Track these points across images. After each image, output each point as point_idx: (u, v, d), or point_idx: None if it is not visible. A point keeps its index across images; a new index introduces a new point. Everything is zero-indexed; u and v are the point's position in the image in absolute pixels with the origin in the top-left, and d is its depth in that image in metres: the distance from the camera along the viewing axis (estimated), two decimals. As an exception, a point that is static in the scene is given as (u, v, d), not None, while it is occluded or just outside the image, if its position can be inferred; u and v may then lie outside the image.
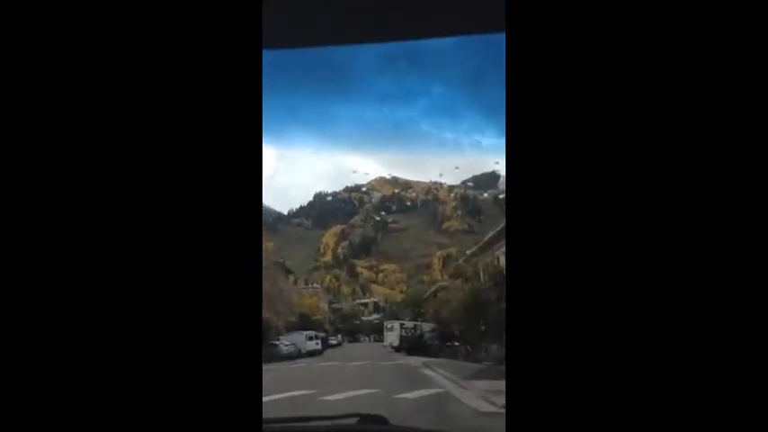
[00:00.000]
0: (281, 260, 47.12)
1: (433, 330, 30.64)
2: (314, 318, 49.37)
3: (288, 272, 48.54)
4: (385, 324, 39.20)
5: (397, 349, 34.56)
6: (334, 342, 48.15)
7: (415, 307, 51.23)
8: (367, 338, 79.42)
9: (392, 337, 36.04)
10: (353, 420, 1.15)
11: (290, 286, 44.31)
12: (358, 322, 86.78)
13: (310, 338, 32.91)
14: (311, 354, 31.03)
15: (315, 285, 68.22)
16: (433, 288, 47.78)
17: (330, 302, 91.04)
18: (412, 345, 30.58)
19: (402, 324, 36.92)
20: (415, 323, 38.31)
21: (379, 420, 1.15)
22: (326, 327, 57.65)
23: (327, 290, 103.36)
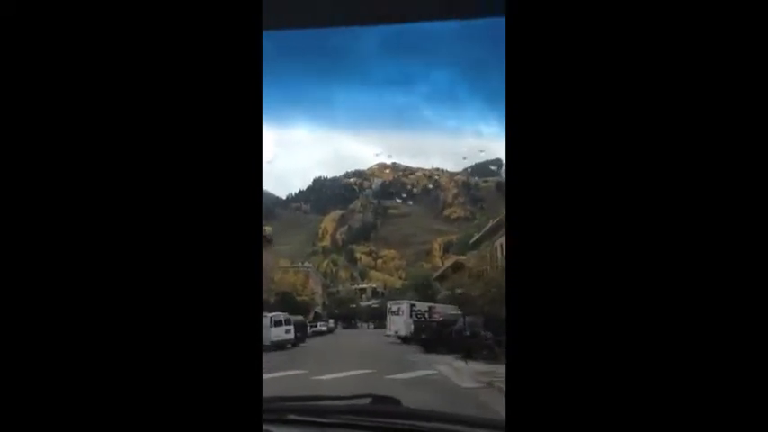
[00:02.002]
0: (257, 224, 34.99)
1: (467, 314, 18.10)
2: (298, 298, 37.32)
3: (266, 240, 36.89)
4: (388, 306, 26.37)
5: (405, 340, 22.73)
6: (323, 328, 36.06)
7: (421, 289, 39.43)
8: (365, 324, 68.32)
9: (399, 324, 23.85)
10: (366, 401, 1.12)
11: (268, 258, 32.41)
12: (354, 306, 75.42)
13: (278, 323, 19.69)
14: (279, 346, 18.79)
15: (306, 264, 56.06)
16: (447, 263, 36.03)
17: (327, 287, 80.00)
18: (433, 335, 18.20)
19: (412, 306, 24.69)
20: (430, 305, 26.27)
21: (392, 402, 1.13)
22: (316, 309, 46.14)
23: (324, 274, 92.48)
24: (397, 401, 1.14)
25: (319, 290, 58.93)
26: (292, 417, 1.04)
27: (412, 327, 21.06)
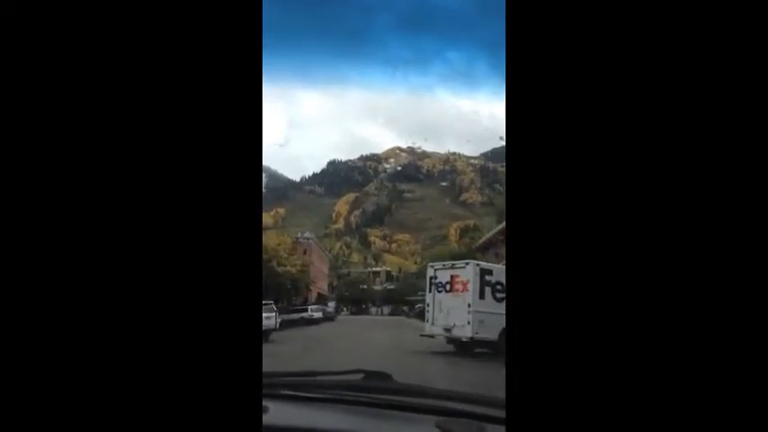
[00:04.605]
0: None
1: None
2: (279, 269, 23.65)
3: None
4: (430, 273, 11.65)
5: (464, 346, 8.86)
6: (315, 315, 22.03)
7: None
8: (378, 310, 54.73)
9: (458, 313, 9.88)
10: (359, 376, 1.08)
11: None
12: (365, 287, 61.93)
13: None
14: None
15: (306, 235, 42.05)
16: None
17: (337, 267, 66.69)
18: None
19: (484, 273, 10.54)
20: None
21: (384, 377, 1.09)
22: (309, 287, 32.20)
23: (337, 257, 79.22)
24: (388, 376, 1.09)
25: (324, 268, 45.12)
26: (285, 392, 1.01)
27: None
